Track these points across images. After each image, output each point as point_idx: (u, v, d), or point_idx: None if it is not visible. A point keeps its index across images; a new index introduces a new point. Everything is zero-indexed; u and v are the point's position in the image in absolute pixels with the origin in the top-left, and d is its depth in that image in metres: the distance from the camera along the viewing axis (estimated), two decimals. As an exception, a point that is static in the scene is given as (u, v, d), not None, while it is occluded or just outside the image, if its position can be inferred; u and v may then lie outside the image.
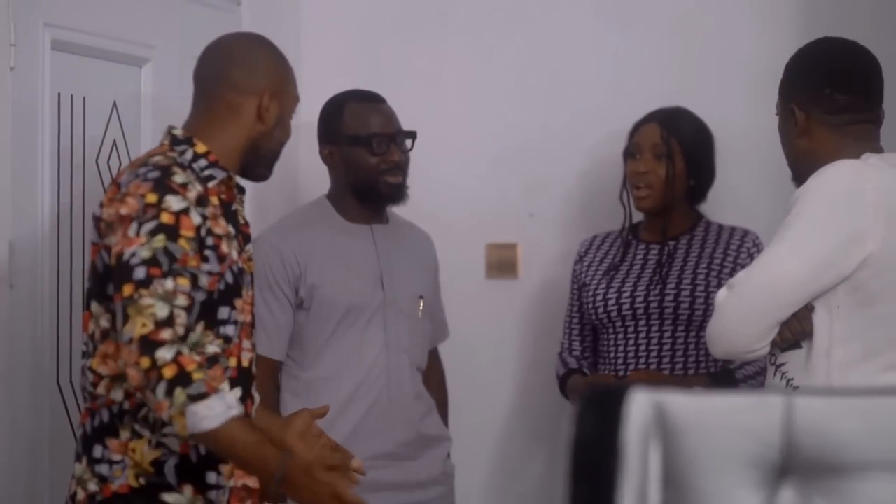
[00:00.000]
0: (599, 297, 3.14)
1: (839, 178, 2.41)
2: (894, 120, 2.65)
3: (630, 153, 3.16)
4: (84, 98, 3.00)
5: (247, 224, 2.44)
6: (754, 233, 3.12)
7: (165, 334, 2.12)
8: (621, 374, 3.11)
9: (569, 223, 3.67)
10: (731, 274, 3.00)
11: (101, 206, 2.29)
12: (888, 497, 1.15)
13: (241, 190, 2.44)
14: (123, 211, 2.21)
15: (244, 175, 2.43)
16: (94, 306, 2.30)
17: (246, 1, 3.55)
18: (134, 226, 2.19)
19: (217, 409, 2.10)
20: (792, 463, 1.14)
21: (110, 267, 2.22)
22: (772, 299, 2.40)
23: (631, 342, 3.09)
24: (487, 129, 3.74)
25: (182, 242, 2.20)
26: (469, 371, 3.69)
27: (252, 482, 2.33)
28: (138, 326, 2.12)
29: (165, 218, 2.19)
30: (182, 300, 2.16)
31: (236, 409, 2.12)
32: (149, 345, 2.11)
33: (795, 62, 2.62)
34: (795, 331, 2.43)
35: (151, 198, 2.20)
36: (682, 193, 3.13)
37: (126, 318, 2.14)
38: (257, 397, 2.44)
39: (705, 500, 1.14)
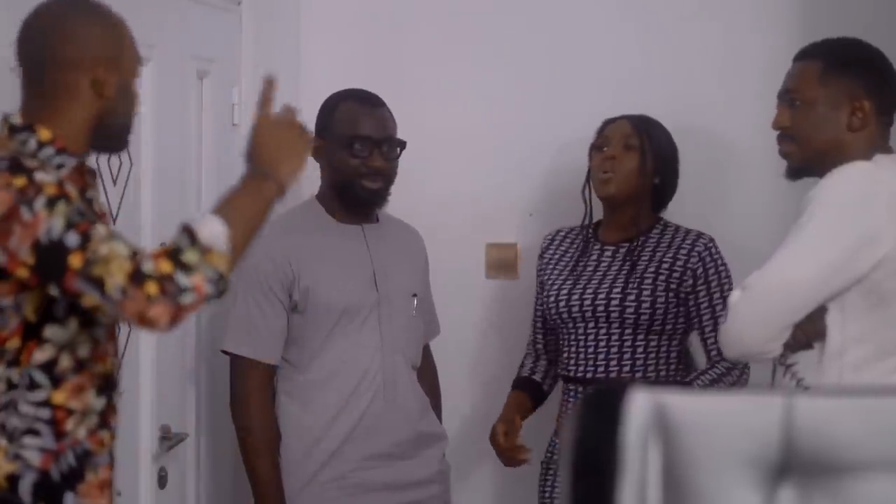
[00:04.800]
0: (552, 298, 3.16)
1: (852, 180, 2.40)
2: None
3: (598, 147, 3.18)
4: (84, 98, 3.00)
5: (104, 213, 2.22)
6: (708, 236, 3.11)
7: (138, 257, 1.95)
8: (572, 374, 3.14)
9: (569, 223, 3.67)
10: (681, 278, 3.02)
11: None
12: (889, 496, 1.15)
13: (93, 174, 2.21)
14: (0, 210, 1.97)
15: (98, 151, 2.23)
16: (53, 331, 2.05)
17: (246, 1, 3.55)
18: (24, 209, 1.95)
19: (213, 225, 2.02)
20: (792, 462, 1.14)
21: (36, 266, 1.97)
22: (785, 301, 2.38)
23: (581, 343, 3.11)
24: (487, 129, 3.73)
25: (78, 204, 1.99)
26: (468, 371, 3.69)
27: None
28: (117, 273, 1.92)
29: (50, 190, 1.97)
30: (121, 238, 1.98)
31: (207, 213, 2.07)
32: (139, 275, 1.92)
33: (854, 53, 2.57)
34: (809, 332, 2.42)
35: (20, 181, 1.97)
36: (647, 189, 3.13)
37: (99, 281, 1.92)
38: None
39: (705, 500, 1.14)
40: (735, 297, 2.43)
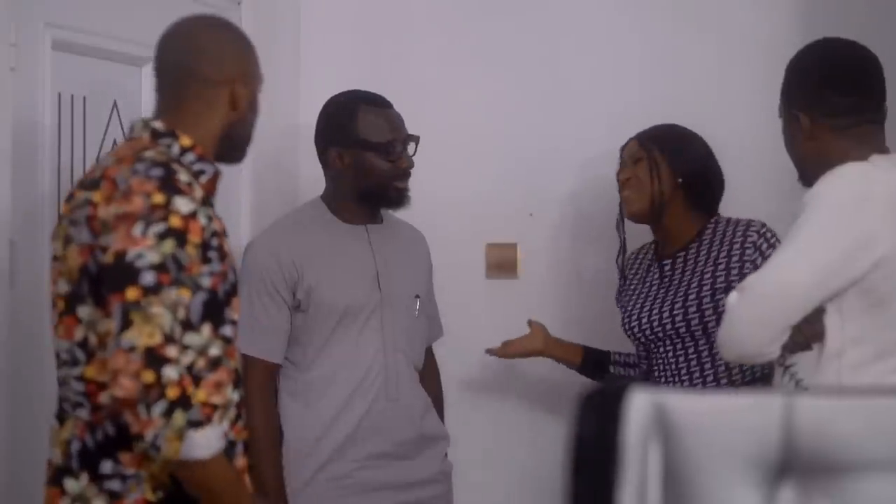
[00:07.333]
0: (623, 321, 3.12)
1: (848, 181, 2.39)
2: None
3: (617, 175, 3.14)
4: (84, 98, 3.00)
5: (218, 219, 2.30)
6: (758, 222, 3.02)
7: (172, 351, 2.04)
8: None
9: (568, 223, 3.67)
10: (741, 272, 2.94)
11: (91, 204, 2.15)
12: (889, 496, 1.15)
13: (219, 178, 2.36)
14: (127, 209, 2.09)
15: (220, 160, 2.35)
16: (88, 312, 2.15)
17: (246, 1, 3.55)
18: (140, 226, 2.07)
19: (212, 440, 2.07)
20: (792, 462, 1.14)
21: (106, 266, 2.10)
22: (783, 304, 2.37)
23: (664, 363, 3.03)
24: (488, 129, 3.74)
25: (189, 249, 2.10)
26: (468, 371, 3.70)
27: None
28: (145, 336, 2.03)
29: (175, 222, 2.09)
30: (182, 313, 2.07)
31: (223, 442, 2.12)
32: (155, 359, 2.03)
33: (795, 66, 2.60)
34: (807, 333, 2.41)
35: (159, 198, 2.09)
36: (671, 195, 3.06)
37: (128, 324, 2.04)
38: None
39: (705, 499, 1.14)
40: (733, 299, 2.41)
